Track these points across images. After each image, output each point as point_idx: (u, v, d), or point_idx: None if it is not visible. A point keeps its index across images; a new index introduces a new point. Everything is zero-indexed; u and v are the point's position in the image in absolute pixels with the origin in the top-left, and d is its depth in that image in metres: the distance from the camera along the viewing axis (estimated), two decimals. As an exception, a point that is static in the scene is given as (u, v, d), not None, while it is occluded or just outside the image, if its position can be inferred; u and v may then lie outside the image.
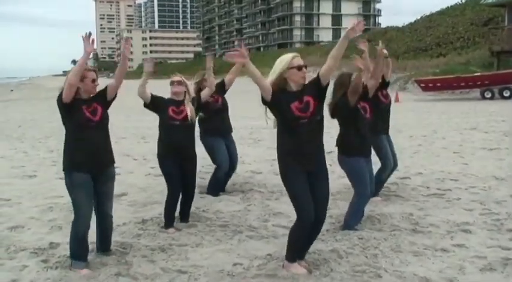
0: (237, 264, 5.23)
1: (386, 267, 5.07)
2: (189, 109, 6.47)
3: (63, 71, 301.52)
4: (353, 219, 6.32)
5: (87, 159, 5.09)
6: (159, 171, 6.93)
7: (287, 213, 6.90)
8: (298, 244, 5.04)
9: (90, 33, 5.01)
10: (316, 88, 4.82)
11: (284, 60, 4.81)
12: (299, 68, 4.79)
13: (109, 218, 5.50)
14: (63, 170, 5.20)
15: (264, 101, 4.80)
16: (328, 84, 4.86)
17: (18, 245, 5.91)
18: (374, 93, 6.49)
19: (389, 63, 7.50)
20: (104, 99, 5.29)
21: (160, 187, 8.34)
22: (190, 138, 6.59)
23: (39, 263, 5.33)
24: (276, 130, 4.95)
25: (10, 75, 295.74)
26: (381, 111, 7.45)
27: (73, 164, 5.08)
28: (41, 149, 13.99)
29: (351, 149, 6.23)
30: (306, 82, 4.87)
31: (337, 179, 9.04)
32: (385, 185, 8.42)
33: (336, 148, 6.46)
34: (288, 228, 6.36)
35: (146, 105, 6.51)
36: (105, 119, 5.29)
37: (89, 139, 5.10)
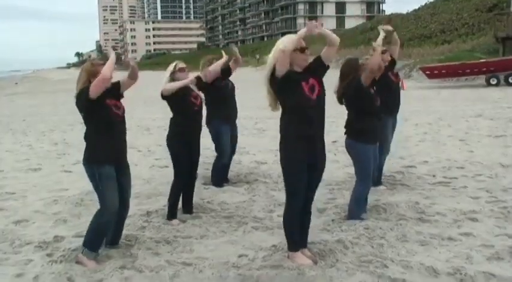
0: (242, 256, 5.21)
1: (393, 257, 5.03)
2: (199, 93, 6.72)
3: (67, 64, 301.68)
4: (356, 207, 6.28)
5: (115, 152, 5.19)
6: (164, 163, 6.94)
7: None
8: (294, 231, 5.03)
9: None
10: (318, 69, 4.87)
11: (286, 40, 4.78)
12: (302, 50, 4.81)
13: (128, 208, 5.53)
14: (88, 164, 5.16)
15: (274, 80, 4.74)
16: (328, 67, 4.90)
17: (23, 239, 5.91)
18: (384, 72, 6.46)
19: (397, 40, 7.64)
20: (118, 93, 5.34)
21: (165, 179, 8.32)
22: (201, 122, 6.79)
23: (44, 257, 5.33)
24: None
25: (14, 68, 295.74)
26: (392, 91, 7.54)
27: (102, 157, 5.10)
28: (46, 142, 13.99)
29: (360, 134, 6.18)
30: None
31: (342, 168, 9.02)
32: (391, 173, 8.40)
33: (341, 137, 6.41)
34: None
35: (166, 97, 6.53)
36: (124, 112, 5.36)
37: (117, 133, 5.22)
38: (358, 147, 6.22)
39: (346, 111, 6.40)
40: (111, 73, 4.96)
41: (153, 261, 5.15)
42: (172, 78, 6.50)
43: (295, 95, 4.76)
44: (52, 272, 4.94)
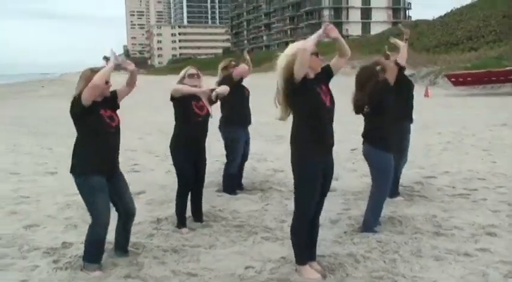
0: (249, 268, 5.07)
1: (405, 273, 4.86)
2: (207, 103, 6.47)
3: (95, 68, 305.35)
4: (372, 217, 6.09)
5: (104, 164, 5.00)
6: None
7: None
8: (302, 243, 4.87)
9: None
10: (326, 77, 4.80)
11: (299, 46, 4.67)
12: (317, 54, 4.71)
13: (132, 214, 5.39)
14: (77, 174, 5.02)
15: (289, 86, 4.59)
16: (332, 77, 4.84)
17: (32, 244, 5.86)
18: (396, 78, 6.31)
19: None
20: (115, 103, 5.21)
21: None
22: (206, 132, 6.60)
23: (50, 264, 5.26)
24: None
25: (43, 71, 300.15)
26: (410, 92, 7.47)
27: (92, 168, 4.94)
28: (65, 145, 13.96)
29: (381, 140, 6.00)
30: None
31: (360, 178, 8.84)
32: (409, 184, 8.20)
33: (361, 144, 6.24)
34: (304, 230, 6.22)
35: (174, 98, 6.41)
36: (119, 123, 5.20)
37: (108, 145, 5.03)
38: (379, 154, 6.04)
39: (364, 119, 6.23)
40: (102, 81, 4.80)
41: (158, 270, 5.05)
42: (181, 83, 6.41)
43: (312, 100, 4.64)
44: (57, 279, 4.88)
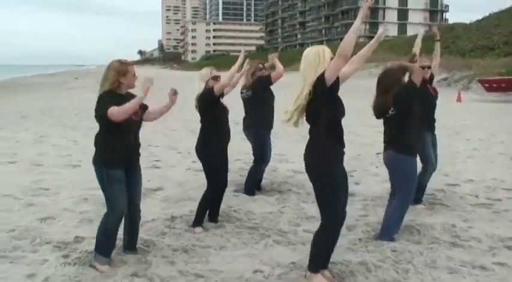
0: (258, 272, 5.00)
1: (416, 284, 4.73)
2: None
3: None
4: (393, 227, 5.95)
5: (124, 157, 5.03)
6: (200, 166, 6.78)
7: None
8: (325, 252, 4.76)
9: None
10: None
11: (326, 50, 4.61)
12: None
13: (139, 211, 5.38)
14: (97, 165, 5.06)
15: (320, 89, 4.43)
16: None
17: (44, 238, 5.89)
18: (422, 84, 6.15)
19: (438, 54, 7.65)
20: (143, 107, 5.23)
21: (197, 183, 8.21)
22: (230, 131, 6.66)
23: (60, 258, 5.27)
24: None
25: (79, 63, 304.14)
26: (430, 104, 7.27)
27: (111, 160, 4.98)
28: (92, 139, 14.03)
29: (406, 146, 5.83)
30: None
31: (382, 183, 8.68)
32: (431, 192, 8.01)
33: (373, 153, 6.11)
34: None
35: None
36: (141, 119, 5.23)
37: (128, 140, 5.05)
38: (404, 160, 5.85)
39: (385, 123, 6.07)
40: (121, 116, 4.77)
41: (166, 270, 5.01)
42: (207, 84, 6.39)
43: (339, 107, 4.55)
44: (63, 274, 4.87)
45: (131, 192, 5.17)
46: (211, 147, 6.38)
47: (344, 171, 4.70)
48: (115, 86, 4.95)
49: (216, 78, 6.37)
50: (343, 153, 4.66)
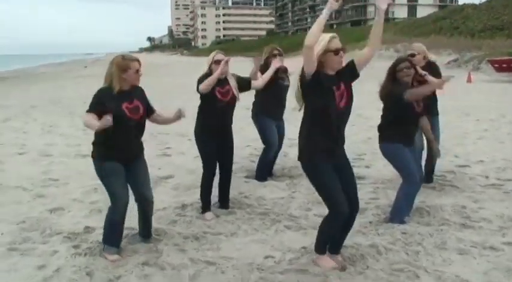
0: (269, 257, 5.01)
1: (427, 266, 4.72)
2: (234, 87, 6.35)
3: (139, 48, 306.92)
4: (401, 211, 5.94)
5: (120, 151, 5.01)
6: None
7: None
8: (329, 236, 4.76)
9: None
10: (350, 76, 4.46)
11: (320, 42, 4.32)
12: (336, 52, 4.34)
13: (149, 202, 5.34)
14: (93, 159, 5.10)
15: (303, 80, 4.35)
16: (359, 75, 4.49)
17: (54, 229, 5.92)
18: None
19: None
20: (147, 104, 5.25)
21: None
22: (231, 117, 6.49)
23: (70, 249, 5.30)
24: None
25: (88, 51, 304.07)
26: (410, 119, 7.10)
27: (106, 154, 4.99)
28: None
29: (393, 136, 5.83)
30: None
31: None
32: (441, 173, 7.99)
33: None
34: (328, 219, 6.11)
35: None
36: (144, 118, 5.17)
37: (126, 135, 5.00)
38: (391, 148, 5.88)
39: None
40: (92, 127, 4.68)
41: (177, 258, 5.02)
42: (210, 69, 6.31)
43: (322, 99, 4.36)
44: (74, 265, 4.89)
45: (137, 184, 5.18)
46: (202, 133, 6.36)
47: (329, 163, 4.50)
48: (117, 82, 4.92)
49: (218, 63, 6.24)
50: (331, 146, 4.48)
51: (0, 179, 8.24)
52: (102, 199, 6.96)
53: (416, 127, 6.08)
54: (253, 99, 7.96)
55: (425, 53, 7.13)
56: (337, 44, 4.38)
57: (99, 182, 7.64)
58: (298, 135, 4.59)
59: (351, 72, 4.45)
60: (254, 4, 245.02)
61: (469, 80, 28.01)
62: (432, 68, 6.95)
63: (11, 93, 27.73)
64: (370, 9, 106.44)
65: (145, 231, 5.46)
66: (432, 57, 7.60)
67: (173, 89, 24.45)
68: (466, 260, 4.86)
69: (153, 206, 5.39)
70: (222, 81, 6.26)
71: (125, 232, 5.52)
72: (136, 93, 5.10)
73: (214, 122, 6.29)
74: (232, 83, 6.33)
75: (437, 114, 7.32)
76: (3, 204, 6.88)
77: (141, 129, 5.17)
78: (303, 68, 4.35)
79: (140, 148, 5.26)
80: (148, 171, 5.36)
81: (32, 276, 4.71)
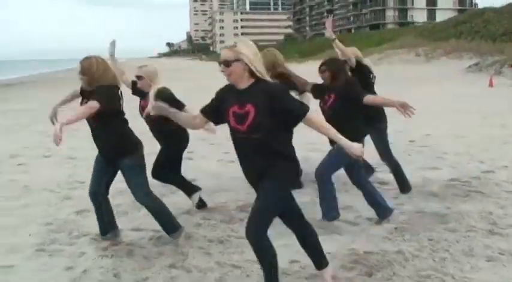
0: (294, 262, 5.01)
1: (454, 273, 4.67)
2: None
3: (158, 53, 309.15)
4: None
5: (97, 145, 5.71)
6: (232, 157, 6.81)
7: (356, 207, 6.62)
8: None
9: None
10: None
11: None
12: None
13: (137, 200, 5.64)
14: None
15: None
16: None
17: (81, 230, 5.99)
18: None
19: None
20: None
21: (230, 174, 8.24)
22: None
23: (97, 250, 5.36)
24: None
25: (107, 56, 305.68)
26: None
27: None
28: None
29: None
30: None
31: (416, 171, 8.59)
32: (467, 178, 7.93)
33: (421, 136, 6.06)
34: (354, 224, 6.10)
35: None
36: (103, 118, 5.38)
37: (95, 137, 5.64)
38: None
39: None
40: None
41: (203, 261, 5.05)
42: None
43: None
44: (101, 266, 4.95)
45: (129, 187, 5.57)
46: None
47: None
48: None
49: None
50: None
51: (27, 181, 8.35)
52: (128, 202, 7.04)
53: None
54: None
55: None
56: None
57: (124, 185, 7.79)
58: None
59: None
60: (272, 8, 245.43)
61: (490, 84, 27.72)
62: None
63: (31, 97, 28.05)
64: (389, 13, 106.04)
65: (105, 225, 5.76)
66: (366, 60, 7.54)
67: (196, 91, 24.54)
68: (495, 268, 4.80)
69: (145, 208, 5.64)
70: None
71: (150, 234, 5.57)
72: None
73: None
74: None
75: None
76: (31, 206, 6.97)
77: (105, 129, 5.58)
78: None
79: (117, 151, 5.60)
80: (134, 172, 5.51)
81: (60, 276, 4.78)
